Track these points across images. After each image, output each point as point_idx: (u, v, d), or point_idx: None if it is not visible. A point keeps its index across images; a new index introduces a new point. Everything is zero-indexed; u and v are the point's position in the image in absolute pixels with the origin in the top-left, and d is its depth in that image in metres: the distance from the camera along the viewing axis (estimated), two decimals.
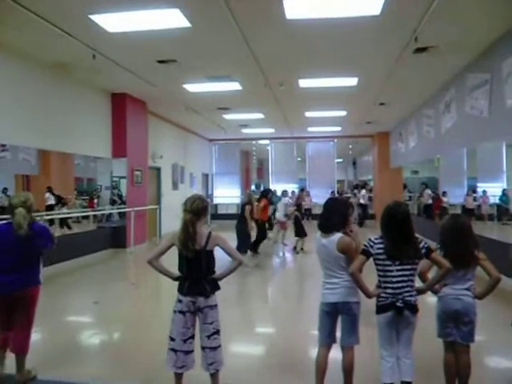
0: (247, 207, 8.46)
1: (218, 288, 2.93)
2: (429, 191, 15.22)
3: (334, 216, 2.93)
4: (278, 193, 17.44)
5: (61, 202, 10.86)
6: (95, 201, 12.44)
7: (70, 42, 6.22)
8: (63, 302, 5.70)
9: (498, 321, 4.49)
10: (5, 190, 10.60)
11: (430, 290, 2.82)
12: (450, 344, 2.86)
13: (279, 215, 10.10)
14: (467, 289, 2.79)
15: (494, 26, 5.86)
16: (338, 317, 2.91)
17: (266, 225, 9.97)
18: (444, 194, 15.28)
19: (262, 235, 9.45)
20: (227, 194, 18.61)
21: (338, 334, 2.93)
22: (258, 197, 10.14)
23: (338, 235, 2.85)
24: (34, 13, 5.30)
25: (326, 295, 2.89)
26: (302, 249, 9.65)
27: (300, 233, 9.58)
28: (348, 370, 2.86)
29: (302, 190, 9.97)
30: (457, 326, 2.81)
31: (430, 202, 15.09)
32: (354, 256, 2.78)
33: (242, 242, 8.24)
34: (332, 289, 2.86)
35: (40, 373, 3.31)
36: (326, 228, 2.91)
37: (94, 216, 11.08)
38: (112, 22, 5.65)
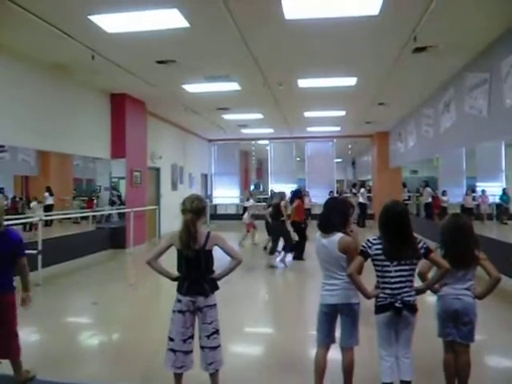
0: (283, 203, 8.51)
1: (217, 288, 2.93)
2: (429, 189, 15.19)
3: (335, 216, 2.92)
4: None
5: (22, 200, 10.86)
6: (94, 201, 12.44)
7: (69, 42, 6.21)
8: (62, 303, 5.70)
9: (498, 321, 4.50)
10: (1, 190, 10.63)
11: (430, 289, 2.82)
12: (450, 343, 2.86)
13: (245, 217, 10.34)
14: (467, 289, 2.79)
15: (492, 25, 5.86)
16: (337, 317, 2.90)
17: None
18: (444, 193, 15.25)
19: (302, 237, 9.01)
20: (226, 195, 18.61)
21: (337, 333, 2.92)
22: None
23: (338, 235, 2.83)
24: (32, 14, 5.29)
25: (325, 297, 2.88)
26: (265, 248, 9.50)
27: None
28: (348, 370, 2.85)
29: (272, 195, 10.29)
30: (456, 326, 2.81)
31: (430, 200, 15.07)
32: (354, 256, 2.76)
33: (286, 242, 8.37)
34: (332, 290, 2.84)
35: (39, 373, 3.30)
36: (327, 228, 2.90)
37: (94, 217, 11.08)
38: (111, 22, 5.64)
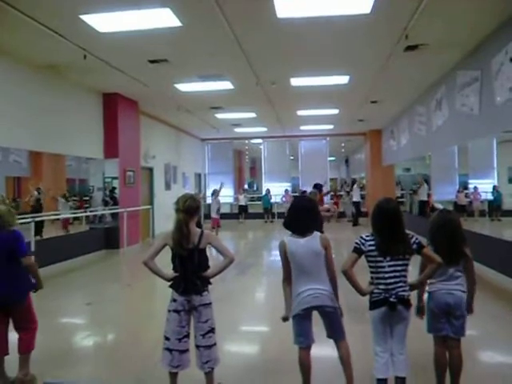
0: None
1: (209, 283, 2.93)
2: (426, 186, 15.08)
3: (308, 217, 2.87)
4: (272, 191, 17.60)
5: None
6: (86, 201, 12.35)
7: (61, 42, 6.18)
8: (56, 304, 5.66)
9: (492, 317, 4.55)
10: None
11: (422, 284, 2.85)
12: (441, 338, 2.89)
13: (212, 213, 10.89)
14: (458, 283, 2.83)
15: (483, 23, 5.91)
16: (312, 315, 2.86)
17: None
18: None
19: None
20: (220, 194, 18.52)
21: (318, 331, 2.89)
22: None
23: (318, 233, 2.83)
24: (24, 14, 5.25)
25: (307, 298, 2.79)
26: None
27: None
28: (346, 360, 2.82)
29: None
30: (449, 321, 2.84)
31: (426, 198, 15.09)
32: (330, 254, 2.79)
33: None
34: (315, 292, 2.77)
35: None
36: (303, 231, 2.83)
37: (87, 217, 11.02)
38: (103, 22, 5.62)
